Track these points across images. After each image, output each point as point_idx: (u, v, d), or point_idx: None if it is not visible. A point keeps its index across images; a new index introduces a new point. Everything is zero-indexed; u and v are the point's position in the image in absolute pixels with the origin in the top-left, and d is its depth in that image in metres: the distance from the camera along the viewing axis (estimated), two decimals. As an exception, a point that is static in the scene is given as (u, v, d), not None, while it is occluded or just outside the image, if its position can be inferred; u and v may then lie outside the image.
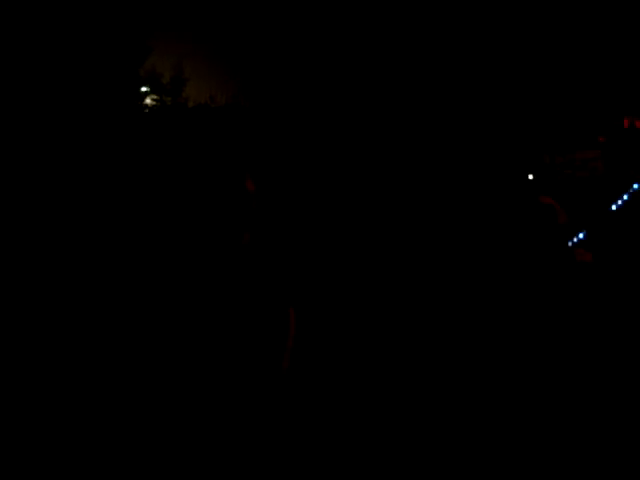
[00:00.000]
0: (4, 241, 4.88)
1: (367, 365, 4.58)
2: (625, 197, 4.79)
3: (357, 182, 5.69)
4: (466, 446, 4.24)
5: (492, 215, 5.24)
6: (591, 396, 4.50)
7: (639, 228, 4.95)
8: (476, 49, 4.92)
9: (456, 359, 4.69)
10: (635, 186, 4.80)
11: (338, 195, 5.70)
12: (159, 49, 8.08)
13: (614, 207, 4.82)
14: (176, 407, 3.91)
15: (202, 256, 4.49)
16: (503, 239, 4.93)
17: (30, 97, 5.27)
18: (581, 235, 4.96)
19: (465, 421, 4.41)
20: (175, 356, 4.08)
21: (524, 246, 4.68)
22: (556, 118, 5.07)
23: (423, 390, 4.31)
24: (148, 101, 8.11)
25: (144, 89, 7.95)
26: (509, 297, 4.63)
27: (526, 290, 4.68)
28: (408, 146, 5.24)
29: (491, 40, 4.89)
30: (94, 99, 5.71)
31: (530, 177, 5.20)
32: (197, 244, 4.31)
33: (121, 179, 5.46)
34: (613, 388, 4.58)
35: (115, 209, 5.32)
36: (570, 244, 4.88)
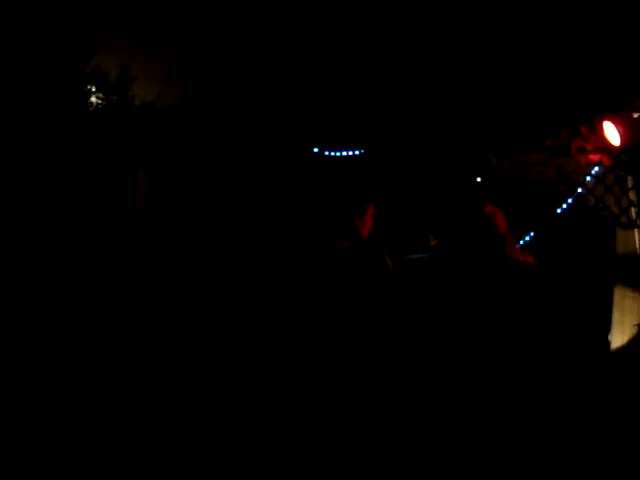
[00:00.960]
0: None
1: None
2: (570, 201, 4.87)
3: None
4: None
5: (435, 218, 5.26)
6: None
7: (582, 231, 5.03)
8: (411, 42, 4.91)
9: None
10: (579, 190, 4.87)
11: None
12: (105, 47, 7.90)
13: (559, 210, 4.89)
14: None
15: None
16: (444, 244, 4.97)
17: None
18: (527, 238, 5.01)
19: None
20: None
21: (465, 251, 4.72)
22: (504, 120, 5.10)
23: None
24: (93, 100, 7.94)
25: (89, 88, 7.77)
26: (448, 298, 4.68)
27: (464, 292, 4.73)
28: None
29: (429, 34, 4.89)
30: (35, 98, 5.54)
31: (478, 180, 5.22)
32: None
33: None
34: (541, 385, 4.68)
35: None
36: (517, 246, 4.93)
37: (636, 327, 4.92)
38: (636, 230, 4.95)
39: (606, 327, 5.03)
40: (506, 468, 4.19)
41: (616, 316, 5.09)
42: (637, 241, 4.97)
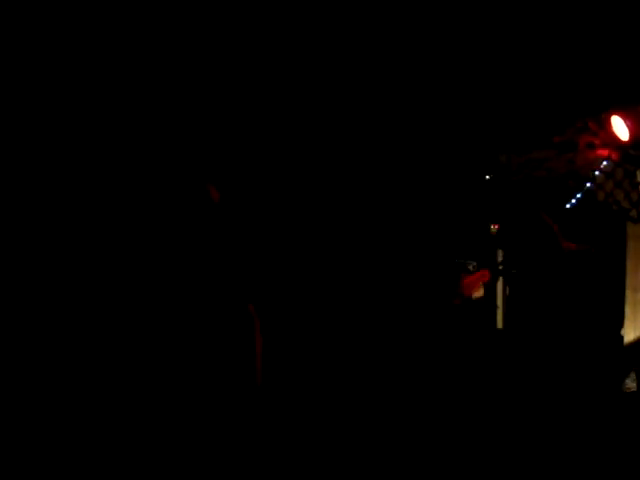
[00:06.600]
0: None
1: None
2: (578, 196, 4.88)
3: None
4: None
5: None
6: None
7: (592, 226, 5.03)
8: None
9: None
10: (588, 185, 4.88)
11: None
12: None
13: (568, 206, 4.90)
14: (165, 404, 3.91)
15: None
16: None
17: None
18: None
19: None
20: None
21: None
22: (511, 117, 5.11)
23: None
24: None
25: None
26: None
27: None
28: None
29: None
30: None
31: (487, 177, 5.24)
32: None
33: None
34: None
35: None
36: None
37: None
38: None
39: (619, 322, 5.03)
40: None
41: (628, 310, 5.09)
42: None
